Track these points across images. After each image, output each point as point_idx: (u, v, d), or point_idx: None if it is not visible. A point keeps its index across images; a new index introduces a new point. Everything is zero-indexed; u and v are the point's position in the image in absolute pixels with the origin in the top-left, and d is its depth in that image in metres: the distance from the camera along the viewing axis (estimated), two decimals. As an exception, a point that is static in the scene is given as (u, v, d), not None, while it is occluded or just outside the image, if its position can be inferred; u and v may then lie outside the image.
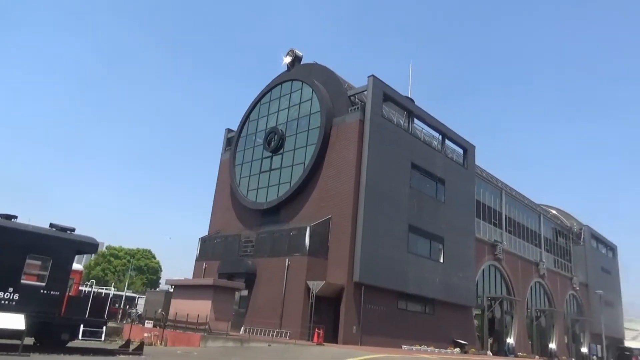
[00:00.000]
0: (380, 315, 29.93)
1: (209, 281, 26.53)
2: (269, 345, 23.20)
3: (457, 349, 34.34)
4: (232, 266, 33.30)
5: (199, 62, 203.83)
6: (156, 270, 67.75)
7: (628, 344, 67.18)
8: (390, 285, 30.43)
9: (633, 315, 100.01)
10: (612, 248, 71.26)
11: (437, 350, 31.80)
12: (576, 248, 61.27)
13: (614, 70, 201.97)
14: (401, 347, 29.95)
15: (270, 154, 36.02)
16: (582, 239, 61.59)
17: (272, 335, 27.45)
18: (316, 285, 27.53)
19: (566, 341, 54.41)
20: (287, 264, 29.66)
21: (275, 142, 35.69)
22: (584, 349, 57.42)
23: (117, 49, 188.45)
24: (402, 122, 34.85)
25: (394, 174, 32.20)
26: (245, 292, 31.44)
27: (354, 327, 28.21)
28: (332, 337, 27.64)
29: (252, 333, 28.48)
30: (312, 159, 32.32)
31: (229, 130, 42.86)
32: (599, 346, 55.68)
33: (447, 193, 37.17)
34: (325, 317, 28.20)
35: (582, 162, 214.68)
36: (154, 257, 68.65)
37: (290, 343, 24.25)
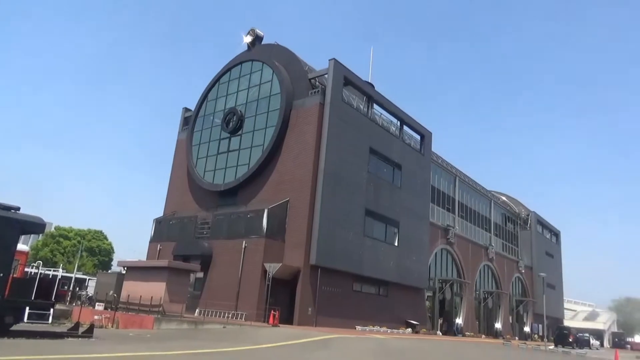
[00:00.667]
0: (335, 297, 30.40)
1: (163, 263, 26.07)
2: (224, 327, 23.16)
3: (409, 329, 35.48)
4: (187, 248, 32.84)
5: (153, 38, 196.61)
6: (108, 252, 65.88)
7: (567, 323, 71.55)
8: (346, 267, 30.91)
9: (572, 297, 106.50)
10: (555, 233, 75.14)
11: (389, 330, 32.72)
12: (523, 233, 64.21)
13: (560, 58, 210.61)
14: (355, 328, 30.61)
15: (229, 135, 35.48)
16: (528, 225, 64.59)
17: (228, 317, 27.39)
18: (273, 268, 27.60)
19: (511, 321, 57.29)
20: (244, 246, 29.54)
21: (234, 123, 35.15)
22: (527, 328, 60.67)
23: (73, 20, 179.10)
24: (361, 107, 35.07)
25: (353, 159, 32.46)
26: (200, 274, 31.13)
27: (310, 309, 28.56)
28: (287, 318, 27.90)
29: (208, 315, 28.31)
30: (271, 141, 32.09)
31: (186, 110, 41.82)
32: (540, 325, 59.03)
33: (404, 178, 37.88)
34: (281, 299, 28.39)
35: (532, 151, 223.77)
36: (105, 238, 66.66)
37: (246, 325, 24.30)
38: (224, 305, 28.38)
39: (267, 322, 25.81)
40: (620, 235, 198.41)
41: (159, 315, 22.83)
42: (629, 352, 60.11)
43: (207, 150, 37.03)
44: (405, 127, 39.86)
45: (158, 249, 35.57)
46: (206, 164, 36.59)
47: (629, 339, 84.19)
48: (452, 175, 49.38)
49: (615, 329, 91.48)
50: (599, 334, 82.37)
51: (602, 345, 75.16)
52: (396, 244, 36.16)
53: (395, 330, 33.39)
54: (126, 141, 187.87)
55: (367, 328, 31.42)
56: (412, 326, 36.22)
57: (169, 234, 35.72)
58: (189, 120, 40.24)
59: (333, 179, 30.46)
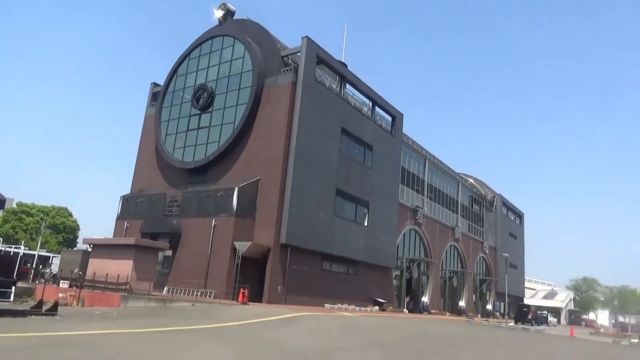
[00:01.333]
0: (305, 275, 30.70)
1: (130, 240, 25.65)
2: (193, 305, 23.12)
3: (376, 307, 36.26)
4: (155, 226, 32.41)
5: (121, 8, 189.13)
6: (73, 229, 64.35)
7: (527, 301, 74.50)
8: (315, 246, 31.16)
9: (532, 277, 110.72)
10: (519, 215, 77.54)
11: (357, 308, 33.36)
12: (488, 215, 66.03)
13: (529, 42, 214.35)
14: (324, 306, 31.07)
15: (199, 112, 34.86)
16: (494, 207, 66.39)
17: (197, 295, 27.33)
18: (243, 246, 27.59)
19: (474, 299, 59.27)
20: (213, 225, 29.36)
21: (204, 100, 34.51)
22: (489, 306, 62.94)
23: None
24: (334, 87, 34.94)
25: (324, 138, 32.45)
26: (169, 252, 30.85)
27: (279, 287, 28.78)
28: (257, 296, 28.05)
29: (176, 293, 28.17)
30: (242, 119, 31.71)
31: (155, 85, 40.77)
32: (502, 303, 61.30)
33: (375, 159, 38.18)
34: (250, 277, 28.49)
35: (501, 134, 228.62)
36: (70, 215, 65.03)
37: (215, 303, 24.32)
38: (193, 283, 28.28)
39: (237, 300, 25.89)
40: (579, 218, 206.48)
41: (125, 294, 22.59)
42: (583, 328, 63.22)
43: (176, 126, 36.31)
44: (377, 109, 40.01)
45: (125, 226, 34.99)
46: (175, 141, 35.92)
47: (584, 317, 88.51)
48: (422, 157, 50.06)
49: (572, 307, 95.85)
50: (556, 312, 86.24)
51: (559, 322, 78.72)
52: (366, 223, 36.60)
53: (363, 308, 34.05)
54: (91, 114, 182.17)
55: (336, 306, 31.93)
56: (380, 304, 37.02)
57: (137, 212, 35.13)
58: (157, 96, 39.27)
59: (304, 158, 30.43)
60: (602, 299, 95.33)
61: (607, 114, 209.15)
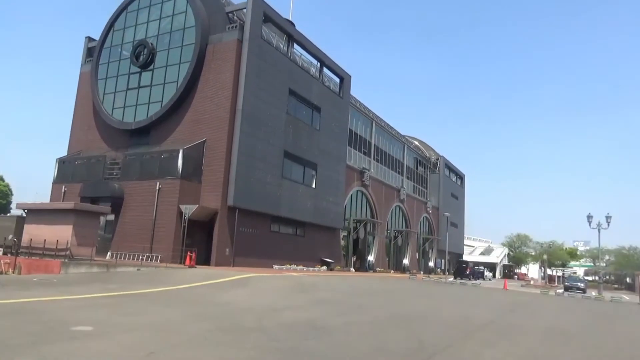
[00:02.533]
0: (253, 237, 30.90)
1: (69, 205, 24.64)
2: (139, 270, 22.83)
3: (324, 267, 37.25)
4: (96, 189, 31.24)
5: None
6: (6, 194, 60.71)
7: (465, 258, 78.97)
8: (264, 209, 31.29)
9: (471, 234, 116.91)
10: (461, 176, 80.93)
11: (305, 268, 34.14)
12: (432, 176, 68.47)
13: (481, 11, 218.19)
14: (272, 267, 31.56)
15: (139, 70, 33.27)
16: (437, 168, 68.83)
17: (142, 259, 26.93)
18: (189, 210, 27.26)
19: (417, 257, 62.09)
20: (158, 188, 28.71)
21: (144, 57, 32.91)
22: (431, 263, 66.22)
23: None
24: (281, 46, 34.28)
25: (271, 99, 32.07)
26: (111, 217, 29.98)
27: (227, 250, 28.86)
28: (205, 260, 28.05)
29: (120, 258, 27.62)
30: (186, 78, 30.64)
31: (90, 39, 38.30)
32: (443, 260, 64.62)
33: (323, 121, 38.25)
34: (198, 240, 28.35)
35: (446, 95, 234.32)
36: (1, 179, 61.19)
37: (161, 267, 24.11)
38: (138, 247, 27.78)
39: (184, 263, 25.77)
40: (516, 180, 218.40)
41: (66, 260, 21.89)
42: (515, 281, 68.08)
43: (115, 85, 34.54)
44: (325, 70, 39.77)
45: (63, 190, 33.46)
46: (114, 100, 34.26)
47: (517, 271, 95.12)
48: (369, 119, 50.62)
49: (506, 262, 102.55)
50: (492, 267, 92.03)
51: (494, 276, 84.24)
52: (314, 185, 37.00)
53: (311, 268, 34.89)
54: (22, 70, 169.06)
55: (284, 267, 32.51)
56: (327, 264, 38.03)
57: (75, 175, 33.61)
58: (93, 52, 36.98)
59: (251, 119, 30.04)
60: (533, 253, 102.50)
61: (541, 74, 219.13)
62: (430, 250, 66.72)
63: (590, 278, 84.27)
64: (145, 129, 32.04)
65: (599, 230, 39.55)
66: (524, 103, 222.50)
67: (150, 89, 32.52)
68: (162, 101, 31.61)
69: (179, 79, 31.16)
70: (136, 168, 30.56)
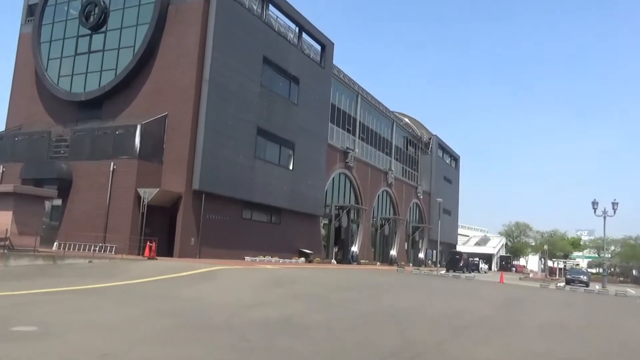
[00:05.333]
0: (222, 225, 30.82)
1: (8, 188, 24.13)
2: (90, 262, 22.59)
3: (302, 259, 37.43)
4: (40, 170, 30.60)
5: None
6: None
7: (459, 248, 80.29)
8: (234, 193, 31.18)
9: (466, 223, 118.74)
10: (455, 158, 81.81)
11: (281, 260, 34.25)
12: (424, 157, 69.03)
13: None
14: (244, 259, 31.58)
15: (90, 32, 32.45)
16: (430, 149, 69.38)
17: (95, 250, 26.65)
18: (148, 194, 27.01)
19: (406, 247, 62.86)
20: (112, 169, 28.30)
21: (95, 17, 32.09)
22: (422, 255, 67.20)
23: None
24: (254, 8, 33.80)
25: (243, 68, 31.73)
26: (58, 202, 29.48)
27: (192, 239, 28.74)
28: (167, 251, 27.91)
29: (69, 249, 27.25)
30: (144, 42, 30.01)
31: (31, -4, 37.11)
32: (434, 251, 65.62)
33: (301, 94, 38.06)
34: (159, 229, 28.16)
35: (439, 72, 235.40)
36: None
37: (117, 258, 23.91)
38: (90, 237, 27.44)
39: (143, 254, 25.60)
40: (516, 165, 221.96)
41: (5, 251, 21.52)
42: (513, 274, 69.67)
43: (61, 49, 33.65)
44: (304, 36, 39.43)
45: (0, 171, 32.71)
46: (61, 67, 33.42)
47: (515, 263, 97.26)
48: (354, 92, 50.56)
49: (504, 253, 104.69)
50: (488, 258, 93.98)
51: (490, 269, 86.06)
52: (291, 167, 36.95)
53: (287, 260, 35.02)
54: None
55: (258, 258, 32.56)
56: (306, 255, 38.23)
57: (15, 153, 32.82)
58: (34, 10, 35.86)
59: (220, 91, 29.72)
60: (532, 244, 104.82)
61: (547, 52, 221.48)
62: (420, 240, 67.64)
63: (594, 270, 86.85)
64: (97, 100, 31.39)
65: (604, 218, 40.59)
66: (526, 81, 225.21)
67: (103, 55, 31.81)
68: (116, 69, 30.97)
69: (136, 43, 30.52)
70: (87, 146, 30.02)
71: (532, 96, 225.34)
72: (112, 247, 26.94)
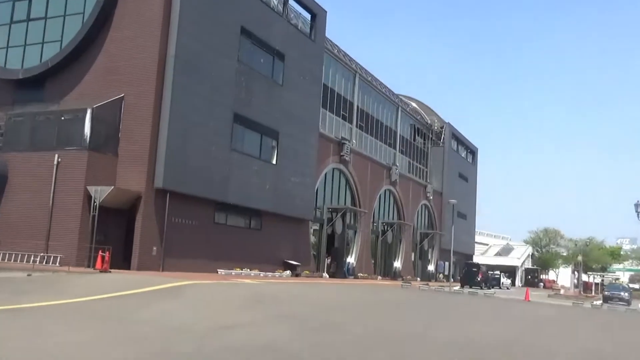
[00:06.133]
0: (191, 231, 30.75)
1: None
2: (29, 275, 22.54)
3: (288, 272, 37.45)
4: (-33, 164, 30.41)
5: None
6: None
7: (477, 259, 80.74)
8: (205, 192, 31.12)
9: (485, 229, 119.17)
10: (472, 151, 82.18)
11: (262, 273, 34.24)
12: (434, 150, 69.21)
13: None
14: (217, 272, 31.54)
15: (29, -4, 32.30)
16: (442, 139, 69.55)
17: (35, 261, 26.49)
18: (101, 192, 26.87)
19: (413, 259, 63.08)
20: (56, 162, 28.17)
21: (36, -23, 31.91)
22: (431, 267, 67.45)
23: None
24: (231, -33, 33.75)
25: (217, 42, 31.68)
26: (-10, 202, 29.36)
27: (154, 249, 28.67)
28: (123, 262, 27.81)
29: (3, 259, 27.14)
30: (96, 9, 29.83)
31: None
32: (446, 263, 65.86)
33: (287, 72, 38.02)
34: (114, 235, 28.06)
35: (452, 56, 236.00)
36: None
37: (62, 271, 23.83)
38: (28, 245, 27.30)
39: (94, 266, 25.49)
40: (543, 157, 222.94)
41: None
42: (541, 290, 70.17)
43: (-7, 17, 33.44)
44: (291, 2, 39.45)
45: None
46: (-7, 39, 33.22)
47: (543, 277, 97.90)
48: (351, 71, 50.55)
49: (529, 264, 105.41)
50: (511, 272, 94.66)
51: (513, 284, 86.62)
52: (274, 161, 36.93)
53: (269, 274, 35.01)
54: None
55: (233, 271, 32.53)
56: (292, 268, 38.23)
57: (-63, 143, 32.59)
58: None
59: (188, 69, 29.63)
60: (564, 254, 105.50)
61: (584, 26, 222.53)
62: (430, 250, 67.89)
63: (636, 286, 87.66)
64: (38, 79, 31.25)
65: (650, 223, 40.93)
66: (556, 61, 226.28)
67: (45, 24, 31.61)
68: (61, 41, 30.78)
69: (85, 9, 30.30)
70: (25, 134, 29.89)
71: (568, 84, 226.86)
72: (57, 257, 26.83)
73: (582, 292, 66.67)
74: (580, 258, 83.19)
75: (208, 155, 31.00)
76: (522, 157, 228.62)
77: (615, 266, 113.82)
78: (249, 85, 34.21)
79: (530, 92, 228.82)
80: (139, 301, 17.41)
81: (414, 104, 68.79)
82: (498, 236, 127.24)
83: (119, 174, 28.75)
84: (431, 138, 69.19)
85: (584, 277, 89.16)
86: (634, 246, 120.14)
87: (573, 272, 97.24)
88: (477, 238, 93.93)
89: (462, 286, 51.57)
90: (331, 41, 46.68)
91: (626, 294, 46.14)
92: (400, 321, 18.56)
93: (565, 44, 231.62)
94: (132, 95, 29.00)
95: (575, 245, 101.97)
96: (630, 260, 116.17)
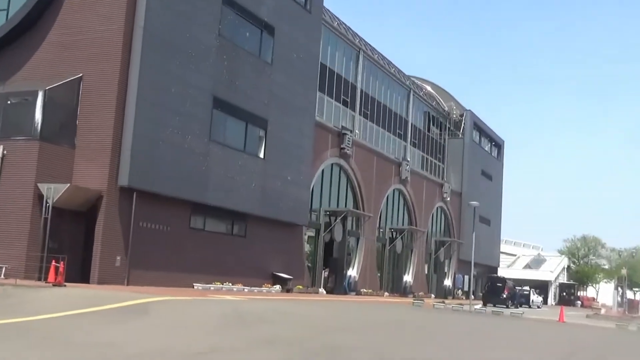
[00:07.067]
0: (162, 238, 30.64)
1: None
2: (-32, 289, 22.38)
3: (277, 287, 37.36)
4: None
5: None
6: None
7: (502, 273, 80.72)
8: (180, 192, 31.03)
9: (512, 237, 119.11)
10: (498, 144, 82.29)
11: (247, 288, 34.16)
12: (453, 142, 69.21)
13: None
14: (193, 287, 31.46)
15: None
16: (461, 130, 69.50)
17: (-25, 273, 26.45)
18: (54, 191, 26.74)
19: (427, 271, 63.06)
20: (1, 155, 28.03)
21: None
22: (448, 281, 67.41)
23: None
24: None
25: (194, 12, 31.66)
26: None
27: (118, 258, 28.55)
28: (81, 273, 27.73)
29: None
30: (50, -28, 29.79)
31: None
32: (466, 277, 65.87)
33: (278, 49, 37.97)
34: (70, 242, 28.04)
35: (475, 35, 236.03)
36: None
37: (8, 284, 23.70)
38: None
39: (46, 279, 25.40)
40: (581, 152, 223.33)
41: None
42: (578, 309, 70.20)
43: None
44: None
45: None
46: None
47: (581, 294, 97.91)
48: (354, 48, 50.48)
49: (564, 279, 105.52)
50: (543, 287, 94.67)
51: (545, 301, 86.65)
52: (262, 155, 36.88)
53: (255, 289, 34.95)
54: None
55: (212, 286, 32.45)
56: (283, 282, 38.15)
57: None
58: None
59: (160, 44, 29.55)
60: (606, 266, 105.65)
61: None
62: (446, 261, 67.88)
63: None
64: (-21, 55, 31.11)
65: None
66: (598, 33, 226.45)
67: (-12, -11, 31.51)
68: (7, 10, 30.62)
69: (37, -28, 30.24)
70: (-36, 121, 29.75)
71: (611, 69, 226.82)
72: (1, 267, 26.73)
73: (626, 312, 66.75)
74: (625, 272, 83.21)
75: (183, 147, 30.88)
76: (558, 153, 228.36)
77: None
78: (232, 64, 34.11)
79: (568, 79, 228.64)
80: (98, 321, 17.30)
81: (428, 88, 68.82)
82: (528, 245, 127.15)
83: (76, 170, 28.61)
84: (449, 128, 69.20)
85: (629, 294, 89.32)
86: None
87: (616, 288, 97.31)
88: (503, 247, 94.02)
89: (484, 304, 51.57)
90: (330, 12, 46.64)
91: (679, 314, 46.11)
92: (410, 347, 18.46)
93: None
94: (93, 75, 28.82)
95: (620, 256, 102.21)
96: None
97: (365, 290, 48.73)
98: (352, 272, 48.72)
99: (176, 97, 30.52)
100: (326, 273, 45.98)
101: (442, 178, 66.99)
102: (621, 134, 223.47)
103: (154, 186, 29.63)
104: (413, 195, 59.09)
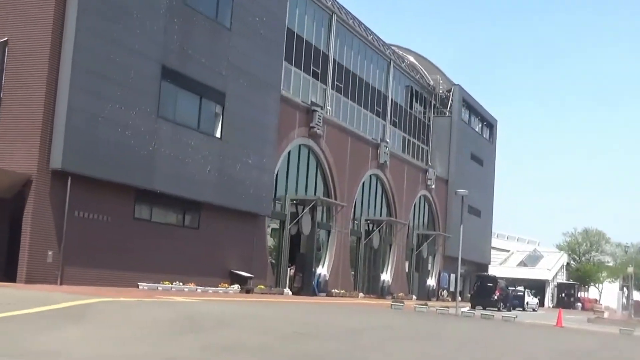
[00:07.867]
0: (101, 230, 30.51)
1: None
2: None
3: (236, 286, 37.36)
4: None
5: None
6: None
7: (494, 271, 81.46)
8: (122, 177, 30.91)
9: (505, 230, 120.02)
10: (490, 124, 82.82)
11: (200, 289, 34.13)
12: (438, 121, 69.49)
13: None
14: (138, 286, 31.39)
15: None
16: (448, 107, 69.76)
17: None
18: (-26, 175, 26.56)
19: (408, 269, 63.39)
20: None
21: None
22: (431, 281, 67.87)
23: None
24: None
25: (140, -33, 31.40)
26: None
27: (50, 253, 28.38)
28: (6, 271, 27.69)
29: None
30: None
31: None
32: (452, 275, 66.38)
33: (238, 12, 37.92)
34: (-8, 234, 27.77)
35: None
36: None
37: None
38: None
39: (-36, 278, 25.27)
40: (583, 136, 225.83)
41: None
42: (578, 312, 71.16)
43: None
44: None
45: None
46: None
47: (581, 294, 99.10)
48: (326, 12, 50.38)
49: (563, 278, 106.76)
50: (540, 287, 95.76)
51: (542, 303, 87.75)
52: (218, 134, 36.85)
53: (210, 289, 34.96)
54: None
55: (160, 286, 32.40)
56: (242, 281, 38.17)
57: None
58: None
59: (100, 4, 29.39)
60: (610, 264, 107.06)
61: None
62: (430, 258, 68.37)
63: None
64: None
65: None
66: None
67: None
68: None
69: None
70: None
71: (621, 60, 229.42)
72: None
73: (632, 316, 67.73)
74: (631, 270, 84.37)
75: (126, 124, 30.70)
76: (558, 134, 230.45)
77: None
78: (184, 28, 33.99)
79: (573, 54, 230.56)
80: (26, 327, 17.14)
81: (411, 59, 68.98)
82: (523, 240, 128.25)
83: (0, 150, 28.37)
84: (434, 105, 69.49)
85: (636, 295, 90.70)
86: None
87: (621, 289, 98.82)
88: (495, 242, 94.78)
89: (472, 307, 52.06)
90: (299, -31, 46.45)
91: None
92: (389, 356, 18.59)
93: None
94: (20, 39, 28.52)
95: (626, 252, 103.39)
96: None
97: (337, 290, 48.89)
98: (322, 270, 48.87)
99: (119, 66, 30.28)
100: (292, 271, 46.06)
101: (426, 162, 67.30)
102: (631, 122, 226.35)
103: (92, 170, 29.41)
104: (393, 182, 59.28)
